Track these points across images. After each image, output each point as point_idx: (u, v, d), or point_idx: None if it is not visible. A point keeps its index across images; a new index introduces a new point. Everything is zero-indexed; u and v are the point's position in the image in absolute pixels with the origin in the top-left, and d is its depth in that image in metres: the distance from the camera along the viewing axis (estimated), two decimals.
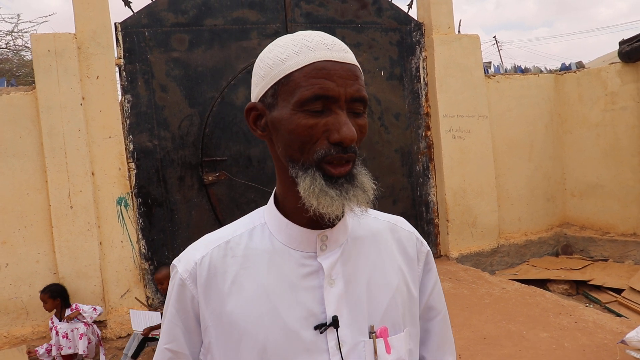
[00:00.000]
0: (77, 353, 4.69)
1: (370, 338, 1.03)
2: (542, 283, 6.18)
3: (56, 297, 4.86)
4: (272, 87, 0.98)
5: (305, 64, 0.94)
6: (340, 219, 1.05)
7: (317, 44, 0.96)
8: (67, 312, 4.83)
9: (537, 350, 4.08)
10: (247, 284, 1.02)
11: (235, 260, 1.05)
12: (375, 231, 1.14)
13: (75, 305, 4.89)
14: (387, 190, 6.55)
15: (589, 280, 6.00)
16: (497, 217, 6.89)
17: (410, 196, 6.69)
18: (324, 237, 1.04)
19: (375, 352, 1.02)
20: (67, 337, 4.64)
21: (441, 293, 1.24)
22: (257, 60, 1.04)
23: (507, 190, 7.10)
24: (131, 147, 5.50)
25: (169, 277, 1.15)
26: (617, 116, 6.79)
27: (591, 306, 5.48)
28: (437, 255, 6.78)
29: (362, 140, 1.00)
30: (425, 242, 1.23)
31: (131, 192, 5.46)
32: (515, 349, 4.13)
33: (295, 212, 1.02)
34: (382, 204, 6.44)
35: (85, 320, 4.79)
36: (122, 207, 5.39)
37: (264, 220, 1.09)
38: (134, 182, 5.51)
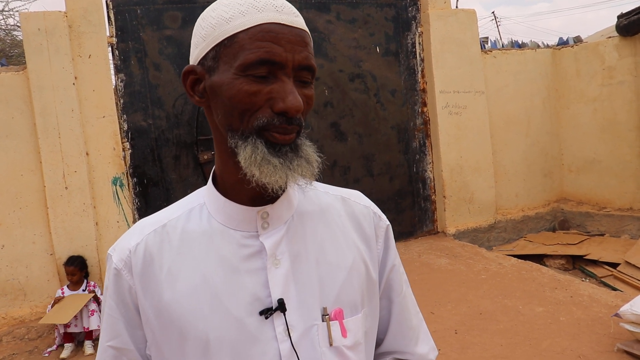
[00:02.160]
0: (81, 332, 4.69)
1: (323, 321, 0.95)
2: (538, 258, 6.20)
3: (83, 269, 4.97)
4: (213, 48, 0.90)
5: (252, 25, 0.86)
6: (282, 193, 0.97)
7: (265, 4, 0.88)
8: (84, 287, 4.89)
9: (532, 324, 4.10)
10: (184, 271, 0.94)
11: (172, 245, 0.96)
12: (325, 206, 1.05)
13: (94, 284, 4.97)
14: (383, 167, 6.53)
15: (585, 255, 6.02)
16: (494, 193, 6.89)
17: (406, 173, 6.67)
18: (265, 214, 0.96)
19: (330, 336, 0.94)
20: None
21: (402, 272, 1.14)
22: (198, 19, 0.95)
23: (504, 166, 7.09)
24: (125, 126, 5.47)
25: None
26: (614, 91, 6.75)
27: (587, 280, 5.51)
28: (434, 232, 6.79)
29: (308, 112, 0.93)
30: (384, 217, 1.12)
31: (126, 172, 5.44)
32: (511, 323, 4.15)
33: (235, 188, 0.95)
34: (379, 180, 6.45)
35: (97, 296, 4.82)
36: (118, 187, 5.37)
37: (203, 201, 1.01)
38: (129, 162, 5.48)
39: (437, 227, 6.81)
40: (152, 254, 0.96)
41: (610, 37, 6.87)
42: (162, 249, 0.96)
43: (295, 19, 0.90)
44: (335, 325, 0.95)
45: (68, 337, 4.68)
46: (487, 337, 3.96)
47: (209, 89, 0.92)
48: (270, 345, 0.92)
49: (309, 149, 0.92)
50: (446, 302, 4.63)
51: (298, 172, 0.88)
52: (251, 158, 0.86)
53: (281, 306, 0.92)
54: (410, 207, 6.69)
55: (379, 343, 1.14)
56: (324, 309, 0.95)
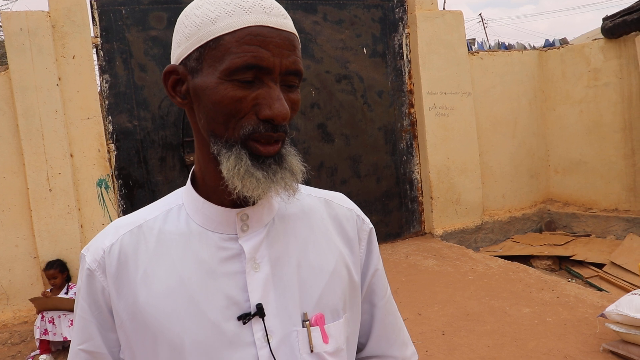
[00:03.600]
0: (61, 341, 4.61)
1: (303, 327, 0.92)
2: (525, 259, 6.22)
3: (64, 271, 4.89)
4: (197, 49, 0.86)
5: (239, 27, 0.82)
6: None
7: (253, 5, 0.84)
8: (65, 290, 4.82)
9: (519, 325, 4.11)
10: (160, 273, 0.91)
11: (148, 247, 0.93)
12: (307, 208, 1.03)
13: (72, 285, 4.90)
14: (370, 168, 6.52)
15: (571, 256, 6.06)
16: (481, 194, 6.91)
17: (394, 174, 6.67)
18: (245, 216, 0.93)
19: (311, 342, 0.92)
20: (53, 323, 4.57)
21: (384, 276, 1.12)
22: (181, 16, 0.91)
23: (490, 167, 7.11)
24: (110, 128, 5.41)
25: None
26: (600, 92, 6.80)
27: (573, 281, 5.53)
28: (422, 233, 6.79)
29: (293, 117, 0.90)
30: (367, 220, 1.10)
31: (111, 174, 5.38)
32: (498, 324, 4.15)
33: (215, 190, 0.92)
34: (366, 182, 6.44)
35: None
36: (103, 189, 5.32)
37: (182, 202, 0.99)
38: (114, 164, 5.43)
39: (424, 228, 6.82)
40: (127, 254, 0.93)
41: (595, 40, 6.92)
42: (137, 250, 0.93)
43: (284, 21, 0.86)
44: (316, 331, 0.93)
45: (45, 345, 4.55)
46: (474, 338, 3.96)
47: (192, 91, 0.89)
48: (249, 351, 0.89)
49: (293, 159, 0.89)
50: (433, 303, 4.63)
51: (281, 186, 0.86)
52: (234, 170, 0.84)
53: (260, 311, 0.89)
54: (397, 209, 6.69)
55: (360, 347, 1.13)
56: (305, 314, 0.93)
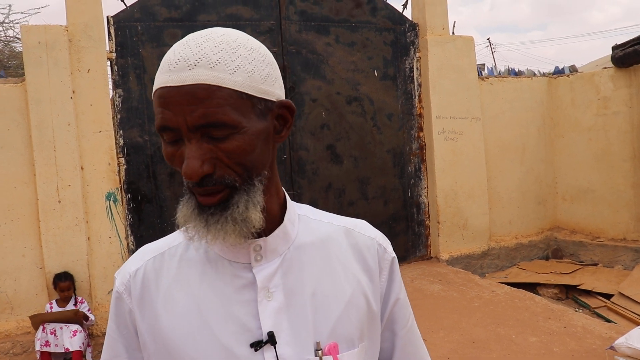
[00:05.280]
0: (62, 353, 4.61)
1: (316, 356, 0.93)
2: (532, 287, 6.18)
3: (73, 283, 4.96)
4: None
5: (154, 90, 0.86)
6: (275, 230, 0.96)
7: (165, 63, 0.85)
8: (74, 302, 4.87)
9: (525, 354, 4.07)
10: (179, 298, 0.95)
11: (169, 272, 0.98)
12: (325, 237, 1.03)
13: (82, 299, 4.94)
14: (378, 190, 6.53)
15: (578, 285, 6.01)
16: (487, 219, 6.89)
17: (401, 197, 6.67)
18: (258, 247, 0.95)
19: None
20: (54, 334, 4.56)
21: (407, 305, 1.12)
22: None
23: (498, 193, 7.10)
24: (121, 142, 5.45)
25: None
26: (609, 121, 6.81)
27: (580, 311, 5.49)
28: (428, 257, 6.77)
29: (243, 162, 0.86)
30: (390, 249, 1.10)
31: (120, 188, 5.40)
32: (504, 352, 4.12)
33: None
34: (373, 204, 6.44)
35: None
36: (111, 202, 5.33)
37: None
38: (123, 178, 5.45)
39: (430, 252, 6.79)
40: (149, 279, 0.98)
41: (605, 68, 6.95)
42: (160, 275, 0.98)
43: (188, 72, 0.82)
44: None
45: (45, 357, 4.54)
46: None
47: None
48: None
49: (241, 207, 0.87)
50: (438, 329, 4.60)
51: (220, 235, 0.87)
52: (183, 216, 0.90)
53: (271, 339, 0.91)
54: (404, 232, 6.67)
55: None
56: (317, 343, 0.94)
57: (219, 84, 0.82)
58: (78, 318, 4.67)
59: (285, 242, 0.99)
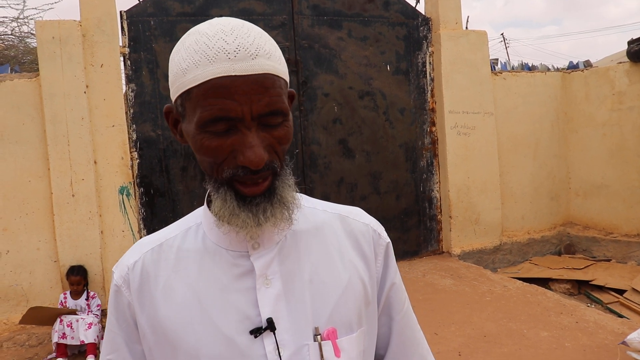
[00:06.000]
0: (77, 344, 4.66)
1: (315, 341, 0.94)
2: (544, 282, 6.15)
3: (86, 277, 5.04)
4: (179, 97, 0.90)
5: (203, 80, 0.84)
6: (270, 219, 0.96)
7: (217, 52, 0.83)
8: (85, 296, 4.95)
9: (537, 349, 4.06)
10: (178, 288, 0.96)
11: (168, 263, 0.99)
12: (320, 224, 1.05)
13: (94, 294, 5.01)
14: (390, 185, 6.52)
15: (591, 280, 5.97)
16: (500, 214, 6.86)
17: (413, 192, 6.66)
18: (255, 235, 0.95)
19: (322, 356, 0.94)
20: (71, 327, 4.61)
21: (402, 289, 1.14)
22: (172, 53, 0.93)
23: (511, 188, 7.07)
24: (134, 136, 5.49)
25: None
26: (624, 116, 6.74)
27: (593, 306, 5.45)
28: (439, 252, 6.76)
29: (286, 149, 0.92)
30: (384, 234, 1.11)
31: (133, 182, 5.45)
32: (515, 347, 4.11)
33: None
34: (385, 199, 6.44)
35: (95, 313, 4.86)
36: (124, 196, 5.38)
37: (200, 221, 1.03)
38: (136, 172, 5.50)
39: (442, 247, 6.78)
40: (148, 271, 0.99)
41: (620, 63, 6.87)
42: (158, 266, 0.99)
43: (252, 62, 0.84)
44: (327, 345, 0.95)
45: (62, 349, 4.59)
46: None
47: (184, 133, 0.93)
48: None
49: (285, 191, 0.91)
50: (450, 323, 4.59)
51: (271, 222, 0.90)
52: (221, 211, 0.89)
53: (270, 325, 0.92)
54: (416, 226, 6.67)
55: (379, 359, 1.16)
56: (316, 328, 0.95)
57: (277, 74, 0.87)
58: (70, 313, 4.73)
59: (281, 230, 0.99)
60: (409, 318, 1.15)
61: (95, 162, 5.23)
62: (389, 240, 1.11)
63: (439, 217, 6.78)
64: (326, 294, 0.98)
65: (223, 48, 0.83)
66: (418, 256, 6.64)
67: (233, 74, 0.83)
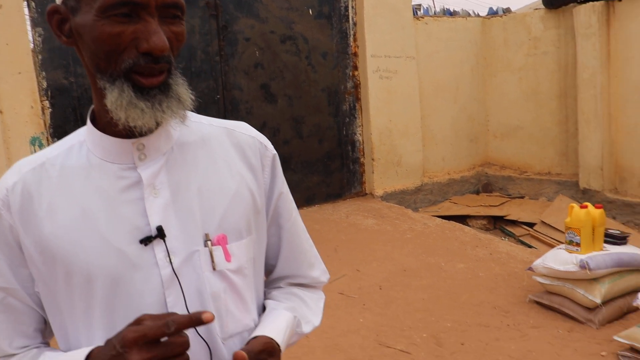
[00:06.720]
0: None
1: (205, 247, 0.97)
2: (462, 219, 6.43)
3: None
4: None
5: None
6: (157, 128, 0.96)
7: None
8: None
9: (454, 280, 4.27)
10: (63, 206, 0.94)
11: (51, 182, 0.96)
12: (207, 137, 1.05)
13: None
14: (313, 129, 6.54)
15: (505, 216, 6.30)
16: (421, 156, 7.05)
17: (336, 135, 6.71)
18: (141, 145, 0.96)
19: (213, 260, 0.96)
20: None
21: (290, 199, 1.17)
22: None
23: (432, 131, 7.25)
24: (44, 84, 5.21)
25: None
26: (539, 61, 6.99)
27: (506, 239, 5.77)
28: (363, 194, 6.89)
29: (179, 48, 0.93)
30: (270, 146, 1.13)
31: (46, 132, 5.20)
32: (434, 279, 4.30)
33: (110, 124, 0.93)
34: (308, 142, 6.46)
35: None
36: (37, 147, 5.13)
37: (83, 138, 1.00)
38: (48, 121, 5.24)
39: (365, 189, 6.92)
40: (30, 191, 0.96)
41: (537, 9, 7.08)
42: (40, 186, 0.96)
43: None
44: (218, 250, 0.97)
45: None
46: (410, 292, 4.09)
47: (75, 30, 0.90)
48: (152, 272, 0.93)
49: (180, 88, 0.92)
50: (372, 260, 4.74)
51: (168, 114, 0.89)
52: (117, 102, 0.87)
53: (160, 233, 0.93)
54: (339, 169, 6.75)
55: (271, 269, 1.19)
56: (206, 235, 0.97)
57: None
58: None
59: (168, 141, 0.99)
60: (298, 227, 1.19)
61: (1, 112, 4.93)
62: (275, 152, 1.13)
63: (361, 160, 6.88)
64: (215, 202, 0.99)
65: None
66: (342, 198, 6.75)
67: None
